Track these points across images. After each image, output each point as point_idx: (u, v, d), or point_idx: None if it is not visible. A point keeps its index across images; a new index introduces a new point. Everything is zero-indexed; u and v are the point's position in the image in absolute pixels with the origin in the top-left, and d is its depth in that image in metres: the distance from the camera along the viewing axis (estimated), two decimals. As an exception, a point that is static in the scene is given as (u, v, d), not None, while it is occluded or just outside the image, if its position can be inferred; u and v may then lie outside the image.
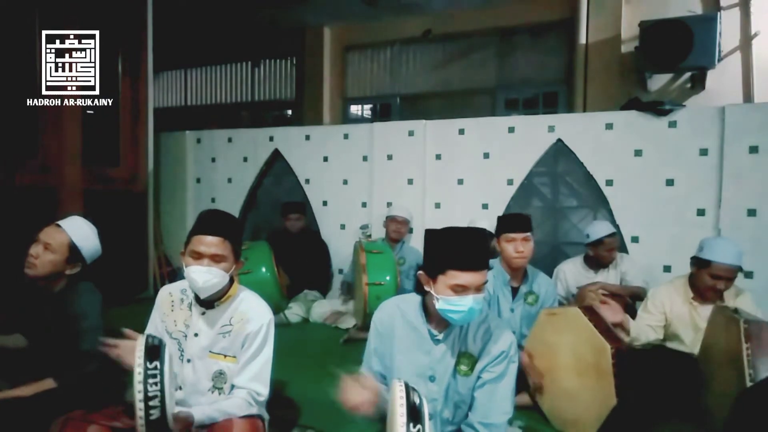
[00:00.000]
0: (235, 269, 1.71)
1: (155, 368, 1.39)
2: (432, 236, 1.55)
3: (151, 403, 1.36)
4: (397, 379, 1.32)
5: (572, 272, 3.43)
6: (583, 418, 2.11)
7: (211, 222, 1.67)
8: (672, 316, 2.58)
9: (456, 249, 1.47)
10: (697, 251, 2.53)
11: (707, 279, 2.44)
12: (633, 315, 3.03)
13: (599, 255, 3.33)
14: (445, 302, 1.47)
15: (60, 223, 1.95)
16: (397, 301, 1.70)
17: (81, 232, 1.97)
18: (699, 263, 2.49)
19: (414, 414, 1.23)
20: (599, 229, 3.34)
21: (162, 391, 1.38)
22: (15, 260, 1.92)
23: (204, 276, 1.62)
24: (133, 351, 1.47)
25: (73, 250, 1.92)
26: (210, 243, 1.63)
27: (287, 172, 5.18)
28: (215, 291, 1.67)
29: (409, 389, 1.28)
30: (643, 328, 2.58)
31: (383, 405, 1.51)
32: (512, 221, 2.58)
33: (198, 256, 1.63)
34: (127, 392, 1.83)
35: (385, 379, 1.67)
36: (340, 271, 4.76)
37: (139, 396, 1.36)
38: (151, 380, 1.37)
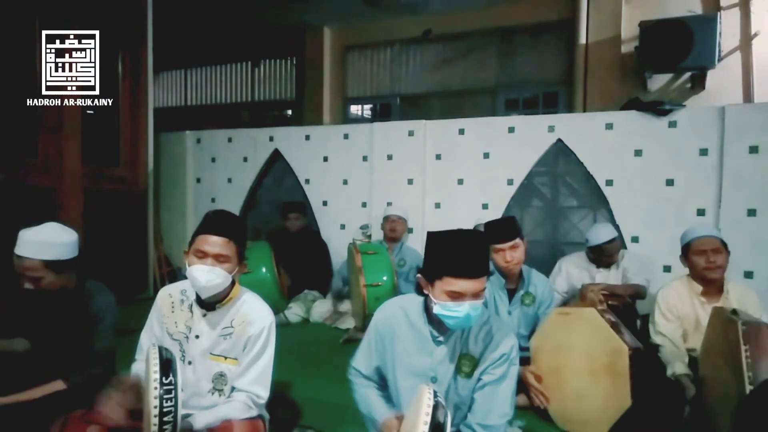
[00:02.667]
0: (238, 271, 1.70)
1: (170, 384, 1.38)
2: (431, 240, 1.53)
3: (165, 419, 1.36)
4: (427, 387, 1.29)
5: (574, 267, 3.42)
6: (593, 418, 2.10)
7: (217, 222, 1.67)
8: (681, 317, 2.55)
9: (453, 255, 1.44)
10: (681, 245, 2.61)
11: (697, 260, 2.45)
12: (633, 314, 3.05)
13: (599, 259, 3.33)
14: (442, 307, 1.46)
15: (18, 252, 1.79)
16: (399, 301, 1.70)
17: (42, 247, 1.79)
18: (684, 251, 2.55)
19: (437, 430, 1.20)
20: (599, 234, 3.30)
21: (176, 406, 1.38)
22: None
23: (207, 276, 1.60)
24: (116, 407, 1.49)
25: (51, 264, 1.81)
26: (215, 243, 1.62)
27: (287, 172, 5.18)
28: (217, 291, 1.66)
29: (437, 405, 1.23)
30: (670, 346, 2.46)
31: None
32: (497, 231, 2.50)
33: (202, 255, 1.62)
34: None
35: (384, 379, 1.67)
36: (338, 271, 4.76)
37: (154, 411, 1.35)
38: (166, 396, 1.36)
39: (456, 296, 1.44)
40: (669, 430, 2.15)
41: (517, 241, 2.48)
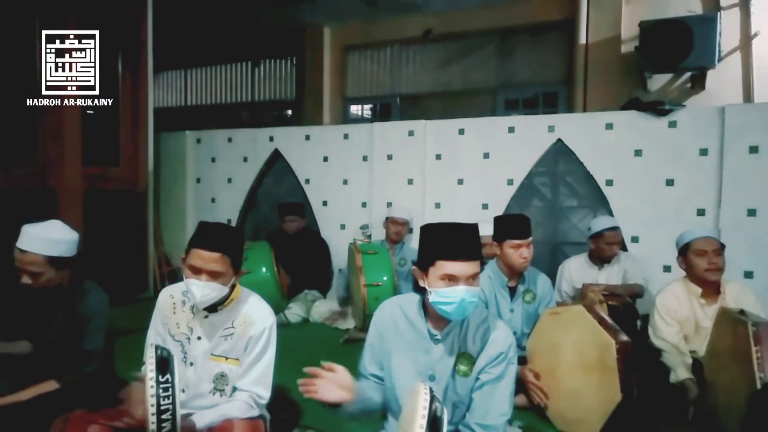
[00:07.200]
0: (235, 280, 1.70)
1: (167, 381, 1.39)
2: (424, 231, 1.56)
3: (163, 416, 1.37)
4: (422, 384, 1.28)
5: (577, 269, 3.45)
6: (587, 416, 2.09)
7: (209, 236, 1.64)
8: (680, 321, 2.53)
9: (444, 239, 1.47)
10: (677, 248, 2.62)
11: (699, 262, 2.45)
12: (633, 314, 3.04)
13: (600, 248, 3.34)
14: (437, 294, 1.47)
15: (21, 246, 1.81)
16: (397, 300, 1.70)
17: (47, 243, 1.82)
18: (682, 251, 2.57)
19: (434, 427, 1.19)
20: (601, 222, 3.40)
21: (173, 404, 1.38)
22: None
23: (202, 291, 1.61)
24: (138, 401, 1.47)
25: (54, 260, 1.83)
26: (208, 258, 1.61)
27: (287, 172, 5.18)
28: (214, 303, 1.67)
29: (434, 399, 1.23)
30: (671, 351, 2.45)
31: (363, 402, 1.52)
32: (516, 227, 2.50)
33: (196, 271, 1.62)
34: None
35: (382, 379, 1.66)
36: (340, 271, 4.75)
37: (151, 410, 1.36)
38: (163, 393, 1.38)
39: (450, 279, 1.45)
40: (668, 427, 2.16)
41: (531, 239, 2.50)
